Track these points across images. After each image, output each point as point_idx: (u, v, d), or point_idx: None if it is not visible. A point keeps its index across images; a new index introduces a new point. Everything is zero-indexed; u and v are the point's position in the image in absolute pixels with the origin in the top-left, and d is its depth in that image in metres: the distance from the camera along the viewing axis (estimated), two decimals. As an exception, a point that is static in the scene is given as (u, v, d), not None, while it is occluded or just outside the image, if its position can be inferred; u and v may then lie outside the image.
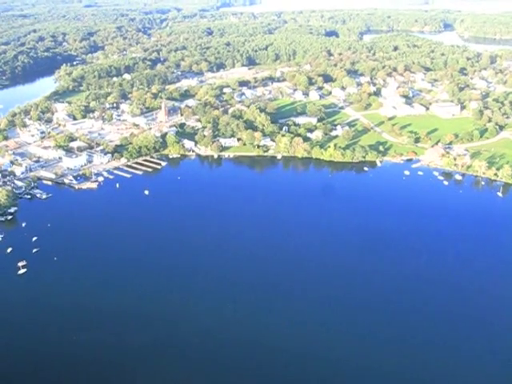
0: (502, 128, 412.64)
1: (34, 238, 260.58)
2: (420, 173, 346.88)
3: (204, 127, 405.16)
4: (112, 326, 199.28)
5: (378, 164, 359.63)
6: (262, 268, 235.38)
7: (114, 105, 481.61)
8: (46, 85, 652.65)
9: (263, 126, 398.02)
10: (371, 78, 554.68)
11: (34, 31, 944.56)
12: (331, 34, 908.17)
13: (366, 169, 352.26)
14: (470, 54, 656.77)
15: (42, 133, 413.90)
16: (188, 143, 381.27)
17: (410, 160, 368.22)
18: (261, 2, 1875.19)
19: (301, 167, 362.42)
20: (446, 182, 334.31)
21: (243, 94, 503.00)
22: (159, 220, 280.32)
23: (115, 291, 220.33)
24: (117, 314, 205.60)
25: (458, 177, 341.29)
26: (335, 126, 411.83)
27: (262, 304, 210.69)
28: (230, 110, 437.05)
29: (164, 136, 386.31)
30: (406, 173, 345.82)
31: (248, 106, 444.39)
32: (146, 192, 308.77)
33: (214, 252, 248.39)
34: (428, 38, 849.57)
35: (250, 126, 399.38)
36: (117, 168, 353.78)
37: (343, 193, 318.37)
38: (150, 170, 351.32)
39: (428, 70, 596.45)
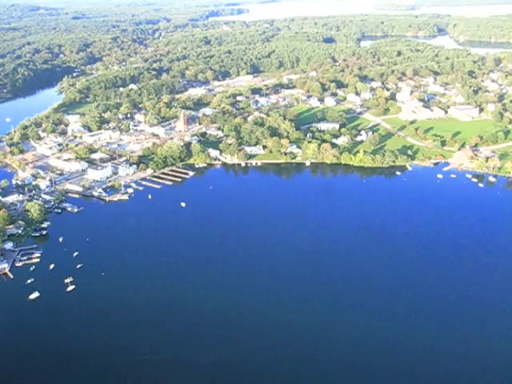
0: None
1: (76, 254, 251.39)
2: (453, 176, 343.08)
3: (227, 135, 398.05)
4: (174, 345, 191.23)
5: (409, 168, 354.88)
6: (313, 277, 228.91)
7: (128, 115, 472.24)
8: (48, 97, 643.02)
9: (287, 132, 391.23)
10: (383, 83, 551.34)
11: (29, 43, 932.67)
12: (328, 40, 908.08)
13: (398, 173, 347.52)
14: (474, 58, 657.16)
15: (60, 145, 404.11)
16: (213, 152, 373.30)
17: (437, 163, 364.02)
18: (248, 11, 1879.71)
19: (332, 173, 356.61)
20: (481, 185, 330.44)
21: (257, 101, 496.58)
22: (202, 232, 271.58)
23: (170, 306, 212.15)
24: (177, 331, 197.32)
25: (492, 179, 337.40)
26: (359, 131, 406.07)
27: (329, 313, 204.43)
28: (250, 118, 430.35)
29: (188, 145, 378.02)
30: (439, 176, 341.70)
31: (267, 114, 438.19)
32: (183, 204, 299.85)
33: (270, 263, 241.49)
34: (427, 42, 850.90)
35: (274, 133, 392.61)
36: (144, 179, 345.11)
37: (381, 198, 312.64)
38: (178, 180, 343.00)
39: (436, 73, 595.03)
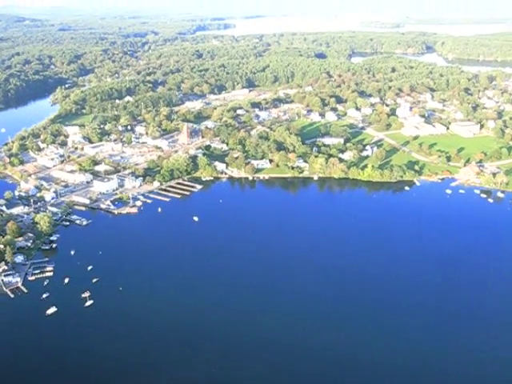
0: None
1: (90, 267, 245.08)
2: (461, 191, 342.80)
3: (232, 149, 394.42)
4: (195, 362, 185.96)
5: (417, 183, 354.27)
6: (325, 292, 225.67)
7: (129, 127, 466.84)
8: (40, 107, 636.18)
9: (294, 147, 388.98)
10: (381, 99, 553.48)
11: (18, 54, 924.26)
12: (320, 56, 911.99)
13: (406, 188, 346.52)
14: (468, 75, 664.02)
15: (61, 156, 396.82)
16: (219, 165, 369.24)
17: (444, 179, 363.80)
18: (235, 26, 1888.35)
19: (340, 187, 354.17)
20: (490, 200, 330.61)
21: (257, 115, 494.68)
22: (217, 246, 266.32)
23: (190, 323, 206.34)
24: (198, 348, 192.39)
25: (500, 194, 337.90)
26: (364, 146, 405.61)
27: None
28: (253, 132, 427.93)
29: (193, 158, 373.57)
30: (448, 192, 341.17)
31: (270, 127, 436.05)
32: (196, 218, 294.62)
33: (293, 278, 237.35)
34: (417, 59, 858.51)
35: (280, 147, 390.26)
36: (151, 192, 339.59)
37: (393, 213, 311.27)
38: (186, 193, 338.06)
39: (432, 90, 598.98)
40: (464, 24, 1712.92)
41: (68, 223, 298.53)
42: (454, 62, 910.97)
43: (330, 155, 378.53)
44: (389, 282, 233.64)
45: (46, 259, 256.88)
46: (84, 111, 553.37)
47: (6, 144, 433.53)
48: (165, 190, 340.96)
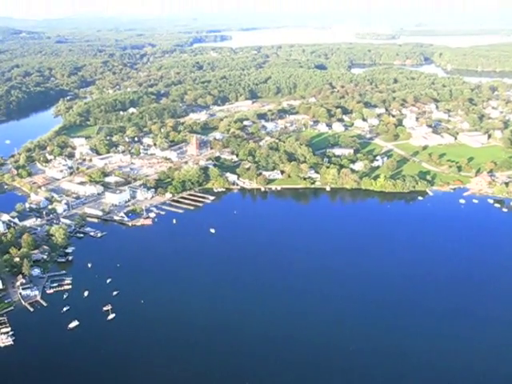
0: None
1: (109, 280, 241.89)
2: (475, 201, 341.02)
3: (242, 160, 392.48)
4: (231, 372, 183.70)
5: (430, 193, 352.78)
6: (345, 304, 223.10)
7: (136, 139, 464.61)
8: (43, 119, 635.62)
9: (305, 157, 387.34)
10: (386, 109, 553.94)
11: (17, 66, 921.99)
12: (320, 67, 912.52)
13: (420, 198, 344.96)
14: (471, 86, 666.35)
15: (70, 168, 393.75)
16: (231, 176, 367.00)
17: (456, 189, 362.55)
18: (231, 38, 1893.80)
19: (353, 198, 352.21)
20: (504, 209, 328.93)
21: (264, 126, 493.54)
22: (236, 258, 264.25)
23: (217, 337, 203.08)
24: (225, 362, 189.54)
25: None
26: (375, 156, 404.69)
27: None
28: (262, 143, 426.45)
29: (205, 169, 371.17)
30: (462, 201, 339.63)
31: (278, 138, 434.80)
32: (213, 230, 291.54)
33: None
34: (418, 70, 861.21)
35: (291, 157, 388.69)
36: (164, 203, 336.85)
37: (409, 223, 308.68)
38: (199, 204, 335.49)
39: (435, 100, 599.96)
40: (457, 36, 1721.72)
41: (82, 235, 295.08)
42: (453, 73, 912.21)
43: (342, 166, 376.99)
44: (406, 289, 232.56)
45: (63, 272, 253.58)
46: (88, 123, 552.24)
47: (13, 156, 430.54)
48: (177, 202, 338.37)
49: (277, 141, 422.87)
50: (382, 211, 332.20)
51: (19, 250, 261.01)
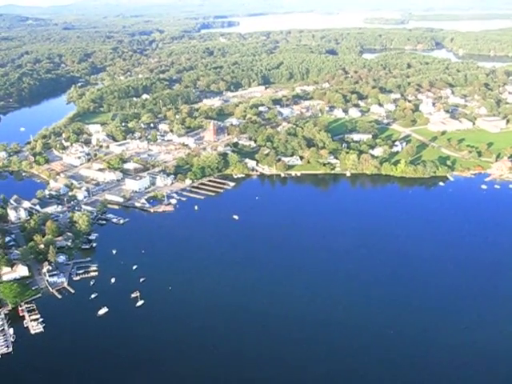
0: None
1: (135, 267, 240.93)
2: (497, 186, 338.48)
3: (260, 146, 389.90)
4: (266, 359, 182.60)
5: (451, 179, 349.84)
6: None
7: (152, 125, 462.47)
8: (55, 106, 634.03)
9: (324, 143, 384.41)
10: (402, 95, 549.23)
11: (27, 53, 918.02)
12: (331, 52, 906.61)
13: (441, 183, 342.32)
14: (485, 70, 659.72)
15: (88, 155, 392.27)
16: (250, 162, 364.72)
17: (476, 174, 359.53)
18: (239, 23, 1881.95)
19: (374, 184, 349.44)
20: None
21: (280, 112, 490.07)
22: (261, 245, 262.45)
23: (246, 324, 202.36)
24: (259, 350, 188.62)
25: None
26: (393, 142, 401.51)
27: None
28: (280, 128, 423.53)
29: (223, 156, 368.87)
30: (483, 187, 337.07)
31: (295, 124, 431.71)
32: (236, 217, 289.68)
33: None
34: (431, 55, 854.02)
35: (309, 143, 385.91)
36: (184, 189, 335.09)
37: (433, 209, 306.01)
38: (220, 190, 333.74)
39: (451, 85, 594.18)
40: (466, 20, 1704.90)
41: (104, 222, 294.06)
42: (465, 58, 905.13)
43: (361, 151, 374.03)
44: (432, 272, 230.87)
45: (88, 259, 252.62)
46: (102, 109, 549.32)
47: (29, 143, 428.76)
48: (197, 188, 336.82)
49: (294, 126, 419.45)
50: (404, 196, 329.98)
51: (43, 236, 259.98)
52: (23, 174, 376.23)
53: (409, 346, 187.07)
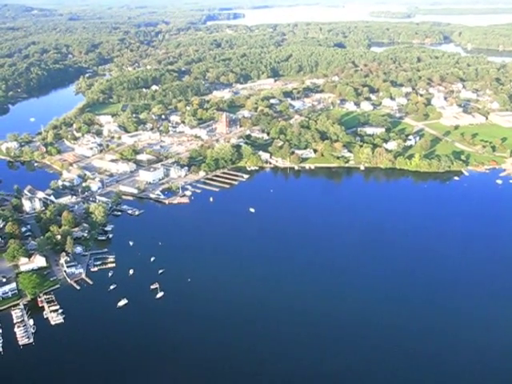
0: None
1: (152, 258, 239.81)
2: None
3: (273, 138, 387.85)
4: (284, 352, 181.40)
5: (465, 173, 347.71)
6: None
7: (163, 116, 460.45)
8: (63, 96, 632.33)
9: (337, 136, 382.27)
10: (413, 88, 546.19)
11: (34, 43, 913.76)
12: (339, 45, 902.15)
13: (456, 178, 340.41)
14: (496, 65, 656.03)
15: (100, 145, 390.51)
16: (263, 155, 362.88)
17: (491, 169, 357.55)
18: (244, 16, 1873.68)
19: (388, 177, 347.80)
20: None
21: (291, 104, 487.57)
22: (279, 237, 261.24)
23: (264, 315, 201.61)
24: (281, 337, 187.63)
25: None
26: (407, 136, 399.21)
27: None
28: (292, 121, 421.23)
29: (237, 148, 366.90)
30: (498, 182, 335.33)
31: (308, 117, 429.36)
32: (252, 210, 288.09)
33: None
34: (440, 49, 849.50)
35: (323, 136, 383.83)
36: (198, 181, 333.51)
37: (449, 203, 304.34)
38: (234, 182, 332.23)
39: (461, 80, 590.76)
40: (472, 14, 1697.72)
41: (119, 213, 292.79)
42: (474, 52, 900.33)
43: (374, 145, 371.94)
44: (448, 266, 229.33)
45: (105, 250, 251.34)
46: (111, 100, 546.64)
47: (40, 133, 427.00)
48: (211, 180, 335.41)
49: (307, 119, 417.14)
50: (419, 191, 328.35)
51: (59, 227, 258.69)
52: (35, 164, 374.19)
53: (429, 345, 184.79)
